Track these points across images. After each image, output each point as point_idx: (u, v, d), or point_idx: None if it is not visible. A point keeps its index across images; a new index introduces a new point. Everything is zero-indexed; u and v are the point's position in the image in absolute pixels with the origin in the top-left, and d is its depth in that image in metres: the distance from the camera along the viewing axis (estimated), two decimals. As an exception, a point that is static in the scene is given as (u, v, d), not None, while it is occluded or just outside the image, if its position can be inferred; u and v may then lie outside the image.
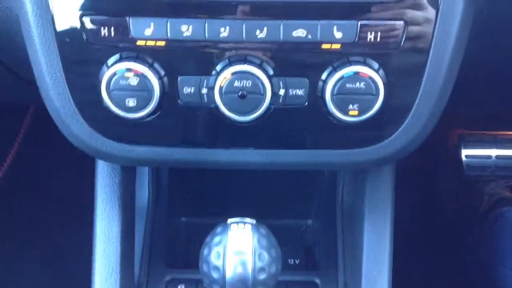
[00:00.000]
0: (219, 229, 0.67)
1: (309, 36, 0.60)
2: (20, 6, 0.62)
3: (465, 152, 1.44)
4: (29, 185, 1.46)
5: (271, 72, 0.62)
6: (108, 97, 0.62)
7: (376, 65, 0.61)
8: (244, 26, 0.60)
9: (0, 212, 1.37)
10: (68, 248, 1.35)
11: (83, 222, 0.88)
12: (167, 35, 0.60)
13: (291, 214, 1.01)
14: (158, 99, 0.62)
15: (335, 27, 0.60)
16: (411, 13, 0.60)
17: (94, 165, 0.81)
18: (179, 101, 0.64)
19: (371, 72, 0.61)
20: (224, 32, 0.60)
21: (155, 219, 0.93)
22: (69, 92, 0.64)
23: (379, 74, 0.61)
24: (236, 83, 0.61)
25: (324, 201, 0.96)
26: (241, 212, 0.99)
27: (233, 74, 0.61)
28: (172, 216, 0.99)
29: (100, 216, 0.79)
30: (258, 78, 0.61)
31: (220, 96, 0.62)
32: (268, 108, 0.63)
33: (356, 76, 0.61)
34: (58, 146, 0.82)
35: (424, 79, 0.62)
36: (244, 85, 0.61)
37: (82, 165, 0.85)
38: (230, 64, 0.61)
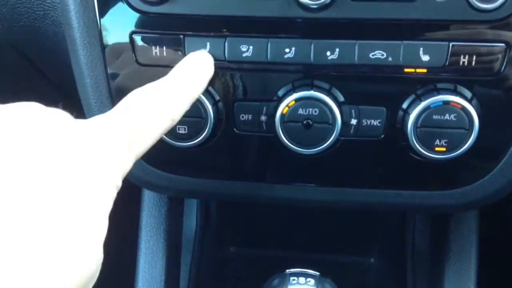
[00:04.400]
0: (276, 281, 0.58)
1: (390, 59, 0.51)
2: (66, 21, 0.57)
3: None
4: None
5: (341, 99, 0.54)
6: None
7: (469, 94, 0.52)
8: (312, 46, 0.52)
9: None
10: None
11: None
12: (224, 55, 0.53)
13: (350, 250, 0.91)
14: (211, 126, 0.55)
15: (421, 48, 0.51)
16: None
17: (140, 192, 0.75)
18: (234, 129, 0.57)
19: (463, 102, 0.51)
20: (289, 53, 0.53)
21: (203, 249, 0.86)
22: None
23: (472, 105, 0.51)
24: (301, 111, 0.54)
25: (390, 239, 0.86)
26: (295, 245, 0.92)
27: (297, 100, 0.53)
28: (221, 246, 0.92)
29: (144, 250, 0.73)
30: (326, 105, 0.53)
31: (281, 124, 0.54)
32: (336, 140, 0.55)
33: (446, 106, 0.51)
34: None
35: (528, 111, 0.52)
36: (310, 113, 0.53)
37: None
38: (294, 89, 0.54)
